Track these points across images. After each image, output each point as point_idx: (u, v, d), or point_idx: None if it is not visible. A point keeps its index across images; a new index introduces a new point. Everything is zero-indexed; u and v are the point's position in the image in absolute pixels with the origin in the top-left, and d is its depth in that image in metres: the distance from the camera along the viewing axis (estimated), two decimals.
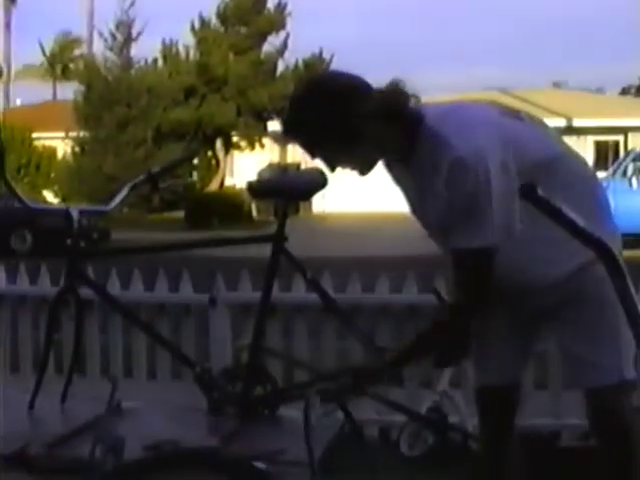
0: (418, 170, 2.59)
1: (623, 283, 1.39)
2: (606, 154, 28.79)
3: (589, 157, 27.74)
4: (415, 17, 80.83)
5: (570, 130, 27.97)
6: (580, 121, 27.84)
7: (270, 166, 30.31)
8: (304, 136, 2.58)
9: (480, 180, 2.45)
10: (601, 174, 15.16)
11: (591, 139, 28.41)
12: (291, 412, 3.20)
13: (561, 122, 27.76)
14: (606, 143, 29.42)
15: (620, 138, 29.90)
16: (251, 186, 3.36)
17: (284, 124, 2.58)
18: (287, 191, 3.32)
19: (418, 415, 4.67)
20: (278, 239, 3.24)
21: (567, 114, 27.89)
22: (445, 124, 2.55)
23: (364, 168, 2.66)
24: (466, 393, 4.62)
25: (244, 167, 32.73)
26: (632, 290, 1.41)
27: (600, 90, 47.90)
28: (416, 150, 2.57)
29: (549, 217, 1.38)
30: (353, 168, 2.64)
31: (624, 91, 56.13)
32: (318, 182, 3.27)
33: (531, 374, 4.71)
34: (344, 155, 2.59)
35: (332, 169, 2.65)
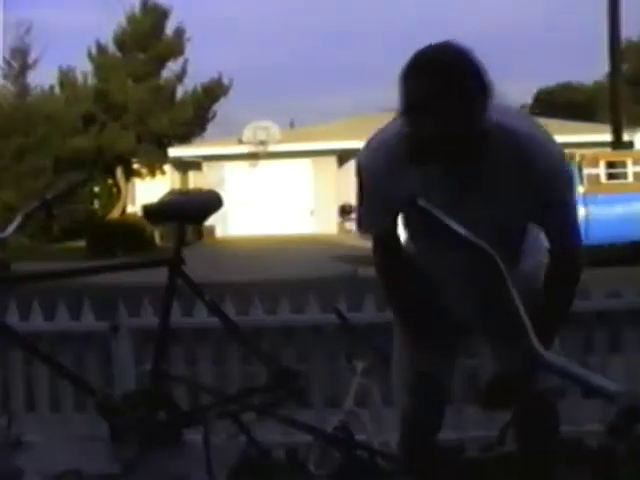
0: (487, 166, 2.47)
1: (506, 289, 1.43)
2: None
3: None
4: (310, 39, 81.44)
5: None
6: None
7: (172, 192, 30.15)
8: (448, 105, 2.32)
9: (573, 177, 2.54)
10: None
11: None
12: (195, 436, 3.18)
13: None
14: None
15: None
16: (146, 210, 3.34)
17: (430, 92, 2.31)
18: (181, 213, 3.30)
19: (325, 434, 4.67)
20: (174, 263, 3.22)
21: None
22: (517, 120, 2.51)
23: (459, 156, 2.44)
24: (372, 411, 4.66)
25: (145, 194, 32.50)
26: (514, 295, 1.45)
27: None
28: (487, 144, 2.44)
29: (432, 224, 1.42)
30: (449, 155, 2.42)
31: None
32: (213, 204, 3.26)
33: None
34: (460, 134, 2.36)
35: (435, 153, 2.43)
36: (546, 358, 1.59)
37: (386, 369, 4.80)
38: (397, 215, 2.72)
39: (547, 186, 2.45)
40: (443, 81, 2.31)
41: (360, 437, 4.64)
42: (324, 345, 4.96)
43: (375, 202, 2.71)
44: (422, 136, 2.36)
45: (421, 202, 1.38)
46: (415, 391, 2.97)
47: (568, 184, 2.52)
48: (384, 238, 2.82)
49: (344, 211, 29.11)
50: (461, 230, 1.40)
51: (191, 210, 3.31)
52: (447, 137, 2.34)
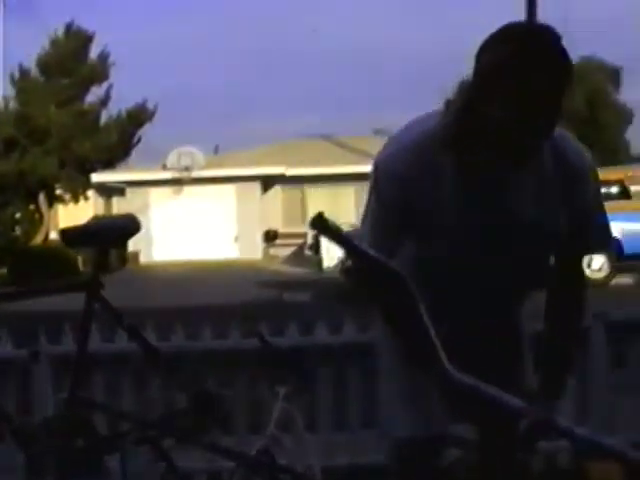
0: (529, 168, 2.31)
1: (415, 305, 1.45)
2: None
3: None
4: (233, 66, 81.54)
5: None
6: None
7: (95, 218, 29.88)
8: (561, 97, 2.15)
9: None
10: None
11: None
12: (116, 463, 3.15)
13: None
14: None
15: None
16: (64, 233, 3.30)
17: (550, 82, 2.11)
18: (98, 236, 3.27)
19: (247, 459, 4.66)
20: (92, 287, 3.19)
21: None
22: None
23: (524, 156, 2.25)
24: (294, 436, 4.66)
25: (68, 220, 32.12)
26: (423, 312, 1.47)
27: None
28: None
29: (335, 243, 1.43)
30: (515, 153, 2.21)
31: None
32: (130, 227, 3.25)
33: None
34: (547, 129, 2.20)
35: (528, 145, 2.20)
36: (456, 377, 1.63)
37: (309, 393, 4.84)
38: (411, 232, 2.38)
39: (581, 180, 2.38)
40: (563, 66, 2.13)
41: (282, 462, 4.64)
42: (246, 370, 4.96)
43: (392, 217, 2.35)
44: (504, 126, 2.12)
45: (328, 220, 1.38)
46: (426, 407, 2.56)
47: (598, 180, 2.43)
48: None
49: (268, 236, 29.11)
50: (367, 248, 1.42)
51: (108, 233, 3.29)
52: (534, 130, 2.15)
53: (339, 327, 5.05)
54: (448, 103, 2.26)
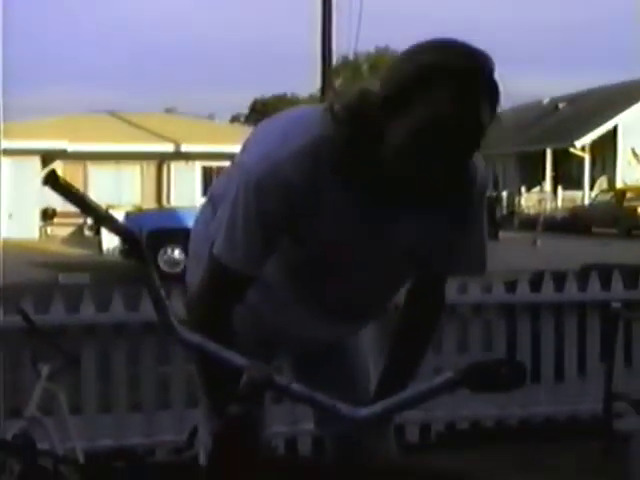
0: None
1: (148, 270, 1.38)
2: (212, 179, 29.64)
3: (197, 181, 28.43)
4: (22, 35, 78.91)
5: (178, 155, 28.49)
6: (188, 146, 28.37)
7: None
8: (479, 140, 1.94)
9: None
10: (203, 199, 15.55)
11: (199, 164, 29.09)
12: None
13: (169, 147, 28.24)
14: (212, 169, 30.10)
15: (227, 163, 30.96)
16: None
17: (470, 127, 1.90)
18: None
19: (4, 443, 4.47)
20: None
21: (176, 140, 28.38)
22: None
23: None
24: (56, 417, 4.50)
25: None
26: (155, 277, 1.43)
27: (211, 117, 49.67)
28: None
29: (69, 202, 1.39)
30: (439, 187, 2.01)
31: (234, 119, 58.78)
32: None
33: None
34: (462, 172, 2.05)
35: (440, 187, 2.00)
36: (181, 333, 1.68)
37: (74, 372, 4.68)
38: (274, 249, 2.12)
39: (478, 204, 2.19)
40: (495, 102, 1.94)
41: (43, 445, 4.47)
42: (8, 349, 4.77)
43: (271, 225, 2.06)
44: (422, 166, 1.91)
45: (60, 177, 1.29)
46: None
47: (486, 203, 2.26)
48: (239, 282, 2.08)
49: (46, 215, 28.12)
50: (101, 210, 1.35)
51: None
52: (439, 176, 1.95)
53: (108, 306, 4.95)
54: (334, 113, 2.01)
